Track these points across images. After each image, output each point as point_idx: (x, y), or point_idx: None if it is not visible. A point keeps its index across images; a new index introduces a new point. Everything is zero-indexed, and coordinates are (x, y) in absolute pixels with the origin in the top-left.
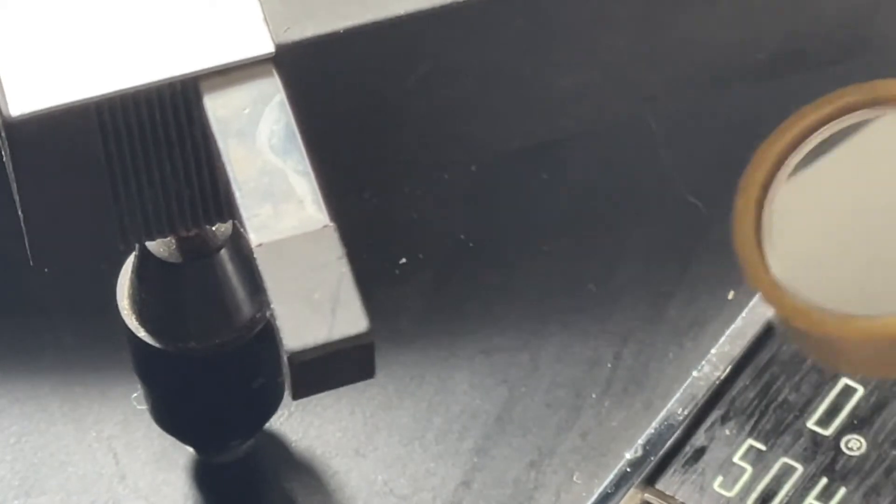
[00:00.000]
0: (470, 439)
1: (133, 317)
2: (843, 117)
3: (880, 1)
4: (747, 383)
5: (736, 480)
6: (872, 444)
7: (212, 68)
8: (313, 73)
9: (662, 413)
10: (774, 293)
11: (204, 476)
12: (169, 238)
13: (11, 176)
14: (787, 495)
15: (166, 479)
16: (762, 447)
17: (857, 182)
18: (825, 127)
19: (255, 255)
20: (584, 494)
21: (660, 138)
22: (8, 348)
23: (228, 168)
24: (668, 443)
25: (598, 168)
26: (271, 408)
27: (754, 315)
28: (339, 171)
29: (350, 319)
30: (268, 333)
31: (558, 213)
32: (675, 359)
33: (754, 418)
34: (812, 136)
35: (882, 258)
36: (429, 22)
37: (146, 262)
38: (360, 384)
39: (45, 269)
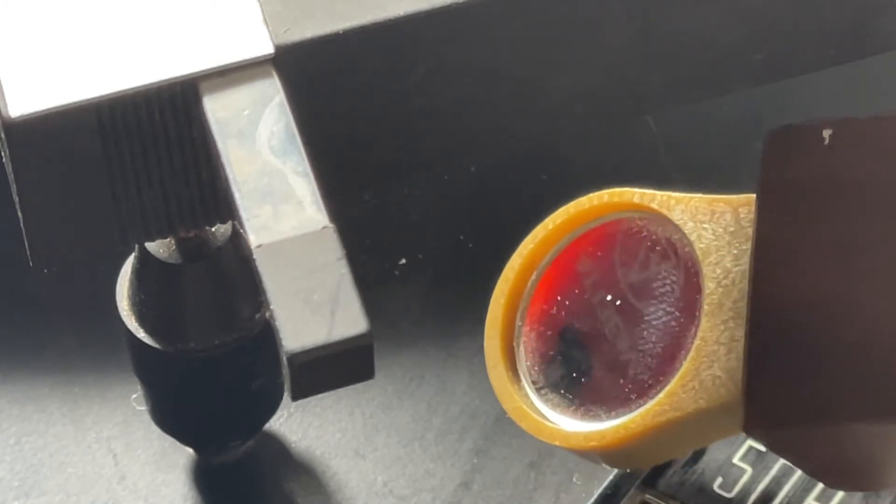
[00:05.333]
0: (469, 440)
1: (132, 317)
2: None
3: (880, 1)
4: None
5: (736, 481)
6: None
7: (211, 69)
8: (313, 74)
9: None
10: (529, 421)
11: (204, 476)
12: (168, 239)
13: (11, 176)
14: (787, 496)
15: (166, 480)
16: (762, 448)
17: None
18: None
19: (254, 256)
20: (583, 495)
21: (660, 138)
22: (8, 348)
23: (228, 169)
24: None
25: (598, 168)
26: (271, 408)
27: None
28: (339, 171)
29: (350, 320)
30: (267, 334)
31: None
32: None
33: None
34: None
35: None
36: (429, 22)
37: (145, 263)
38: (360, 385)
39: (45, 269)
